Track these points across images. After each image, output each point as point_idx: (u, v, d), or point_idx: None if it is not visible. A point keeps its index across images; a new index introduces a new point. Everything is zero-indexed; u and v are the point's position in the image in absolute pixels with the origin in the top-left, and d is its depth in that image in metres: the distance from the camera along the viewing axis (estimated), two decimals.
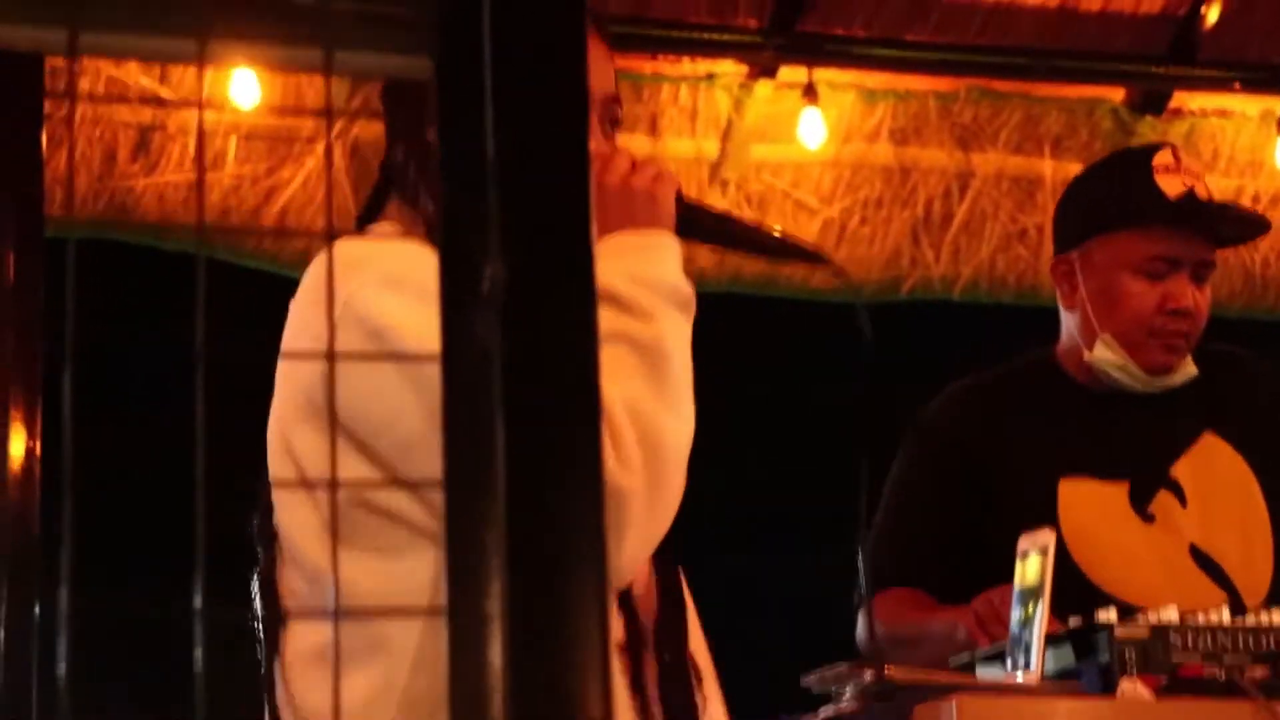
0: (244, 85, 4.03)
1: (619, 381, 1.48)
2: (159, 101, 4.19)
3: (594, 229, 0.93)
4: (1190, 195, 2.56)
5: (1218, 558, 2.51)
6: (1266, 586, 2.52)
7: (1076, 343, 2.65)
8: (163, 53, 0.96)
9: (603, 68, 1.71)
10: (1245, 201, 4.88)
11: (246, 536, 1.59)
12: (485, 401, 0.91)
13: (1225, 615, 2.17)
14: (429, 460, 1.41)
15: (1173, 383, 2.60)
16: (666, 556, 1.64)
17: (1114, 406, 2.60)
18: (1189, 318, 2.56)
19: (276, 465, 1.55)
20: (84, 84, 4.13)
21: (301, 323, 1.56)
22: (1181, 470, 2.57)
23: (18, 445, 3.83)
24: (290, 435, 1.53)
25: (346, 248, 1.57)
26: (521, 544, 0.88)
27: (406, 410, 1.47)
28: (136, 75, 4.16)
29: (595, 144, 1.65)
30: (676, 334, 1.53)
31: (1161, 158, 2.59)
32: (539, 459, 0.90)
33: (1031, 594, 2.24)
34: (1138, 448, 2.49)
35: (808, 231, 4.67)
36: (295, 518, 1.53)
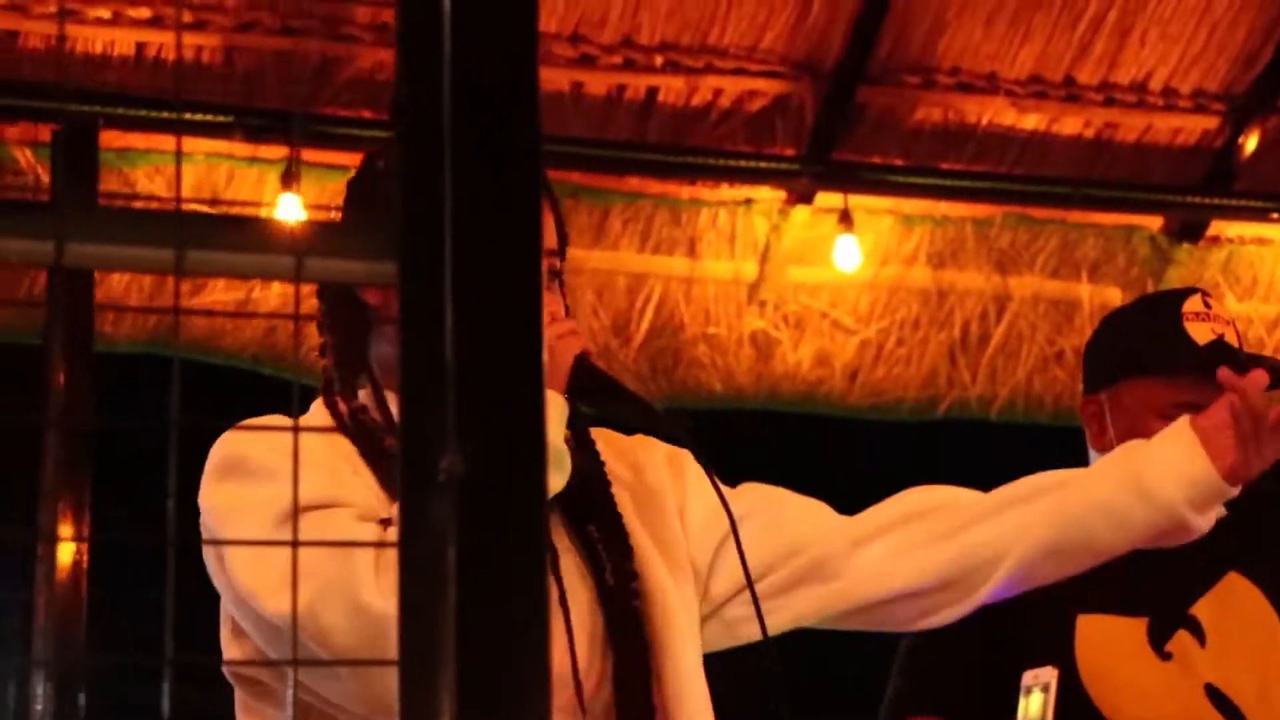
0: (289, 209, 4.15)
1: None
2: None
3: (545, 418, 1.00)
4: (1219, 343, 2.58)
5: (1234, 697, 2.52)
6: None
7: None
8: (142, 262, 1.03)
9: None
10: None
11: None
12: (439, 584, 0.97)
13: None
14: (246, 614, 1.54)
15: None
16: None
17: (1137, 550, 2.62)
18: None
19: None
20: (137, 205, 4.26)
21: None
22: (1202, 609, 2.58)
23: (65, 553, 3.92)
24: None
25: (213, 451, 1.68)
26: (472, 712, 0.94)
27: (223, 585, 1.64)
28: (187, 199, 4.29)
29: None
30: None
31: (1191, 304, 2.61)
32: (490, 641, 0.96)
33: None
34: (1158, 584, 2.49)
35: (845, 351, 4.74)
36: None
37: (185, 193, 4.31)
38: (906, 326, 4.75)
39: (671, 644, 1.73)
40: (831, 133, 4.44)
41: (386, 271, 1.04)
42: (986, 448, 5.35)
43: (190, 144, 4.22)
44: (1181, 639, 2.60)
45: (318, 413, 1.73)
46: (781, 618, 1.85)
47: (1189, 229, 4.76)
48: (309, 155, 4.29)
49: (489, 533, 0.97)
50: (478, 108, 1.04)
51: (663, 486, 1.81)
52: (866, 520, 1.92)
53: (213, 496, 1.64)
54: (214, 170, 4.30)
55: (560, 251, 1.79)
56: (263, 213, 4.28)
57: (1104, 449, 2.66)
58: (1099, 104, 4.54)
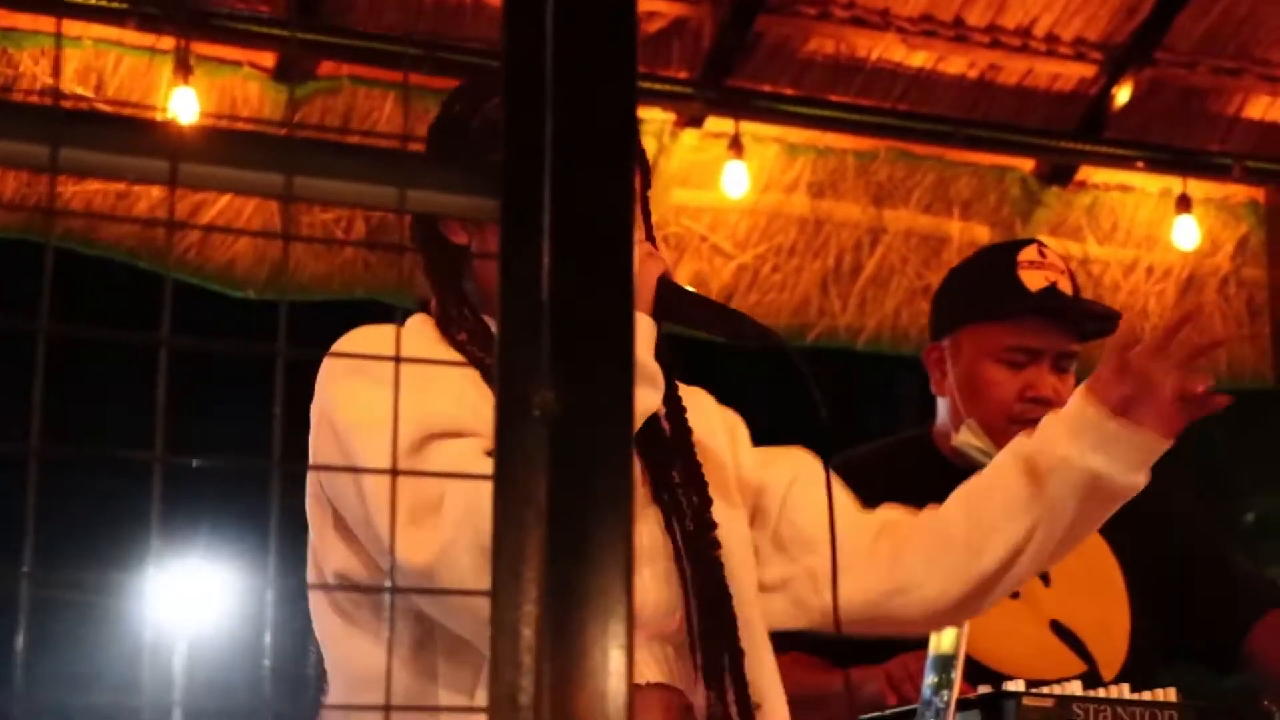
0: (183, 100, 4.08)
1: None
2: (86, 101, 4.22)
3: (634, 359, 1.04)
4: (1050, 290, 2.69)
5: (1077, 630, 2.65)
6: (1122, 660, 2.67)
7: (947, 427, 2.78)
8: (257, 185, 1.05)
9: None
10: (1140, 273, 5.09)
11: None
12: (532, 514, 1.01)
13: (1078, 686, 2.32)
14: (373, 539, 1.53)
15: None
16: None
17: None
18: (1049, 406, 2.68)
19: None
20: (19, 86, 4.16)
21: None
22: None
23: None
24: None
25: (339, 345, 1.67)
26: (555, 646, 0.98)
27: (348, 494, 1.62)
28: (73, 84, 4.20)
29: None
30: None
31: (1026, 253, 2.72)
32: (577, 574, 1.00)
33: (946, 661, 2.37)
34: None
35: (721, 275, 4.81)
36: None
37: (68, 78, 4.22)
38: (783, 253, 4.82)
39: (742, 593, 1.78)
40: (726, 59, 4.48)
41: (488, 207, 1.07)
42: (849, 377, 5.47)
43: (78, 28, 4.13)
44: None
45: (425, 325, 1.76)
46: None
47: (1058, 172, 4.90)
48: (201, 49, 4.22)
49: (580, 467, 1.02)
50: (578, 55, 1.07)
51: (719, 444, 1.84)
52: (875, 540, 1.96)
53: (343, 403, 1.61)
54: (101, 56, 4.21)
55: (644, 177, 1.79)
56: (154, 104, 4.20)
57: (943, 394, 2.77)
58: (984, 45, 4.64)
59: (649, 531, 1.74)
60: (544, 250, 1.04)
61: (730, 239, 4.79)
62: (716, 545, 1.77)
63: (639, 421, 1.63)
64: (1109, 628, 2.71)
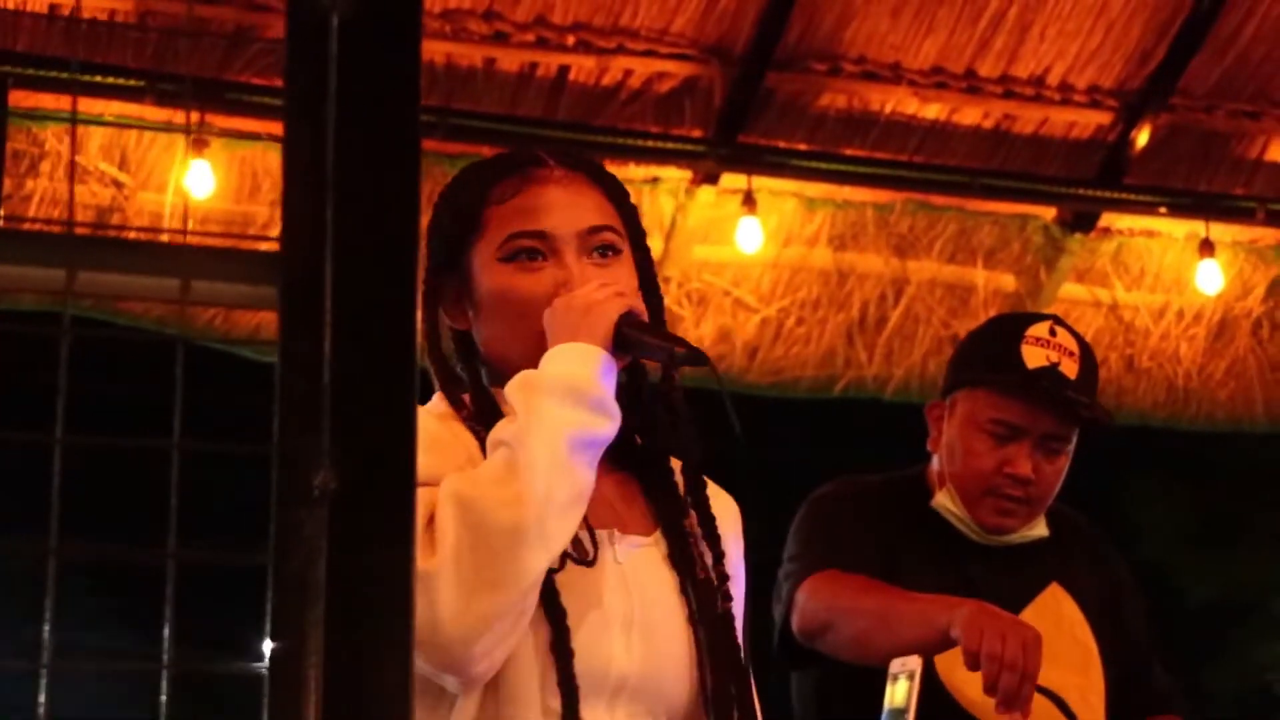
0: (199, 176, 4.18)
1: (468, 476, 1.64)
2: (117, 185, 4.33)
3: (417, 442, 1.07)
4: (1048, 370, 2.63)
5: (1061, 692, 2.63)
6: None
7: (934, 484, 2.77)
8: (30, 280, 1.09)
9: (577, 202, 1.81)
10: (1170, 317, 5.05)
11: None
12: (310, 596, 1.03)
13: None
14: None
15: (1017, 540, 2.71)
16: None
17: (971, 549, 2.72)
18: (1025, 485, 2.66)
19: None
20: (44, 166, 4.28)
21: None
22: (1028, 617, 2.68)
23: None
24: None
25: None
26: None
27: None
28: (96, 160, 4.31)
29: (567, 270, 1.78)
30: (545, 423, 1.63)
31: (1036, 329, 2.67)
32: (356, 653, 1.02)
33: (899, 714, 2.38)
34: (989, 594, 2.58)
35: (745, 329, 4.83)
36: None
37: (92, 154, 4.33)
38: (806, 306, 4.84)
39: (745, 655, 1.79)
40: (738, 116, 4.51)
41: (269, 295, 1.10)
42: (881, 427, 5.46)
43: (99, 106, 4.23)
44: None
45: (439, 403, 1.83)
46: None
47: (1081, 220, 4.89)
48: (220, 122, 4.32)
49: (360, 547, 1.04)
50: (359, 139, 1.10)
51: (724, 526, 1.86)
52: None
53: None
54: (122, 134, 4.32)
55: (628, 225, 1.84)
56: (171, 179, 4.30)
57: (936, 451, 2.76)
58: (998, 96, 4.64)
59: (665, 597, 1.77)
60: (325, 334, 1.07)
61: (754, 293, 4.81)
62: (729, 599, 1.79)
63: (599, 451, 1.66)
64: (1087, 696, 2.69)
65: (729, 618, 1.78)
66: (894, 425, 5.28)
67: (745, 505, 1.92)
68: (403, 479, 1.06)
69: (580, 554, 1.72)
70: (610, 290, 1.72)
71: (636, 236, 1.85)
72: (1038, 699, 2.58)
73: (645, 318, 1.75)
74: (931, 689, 2.43)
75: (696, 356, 1.70)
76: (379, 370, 1.07)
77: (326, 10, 1.08)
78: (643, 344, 1.72)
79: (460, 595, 1.57)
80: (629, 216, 1.83)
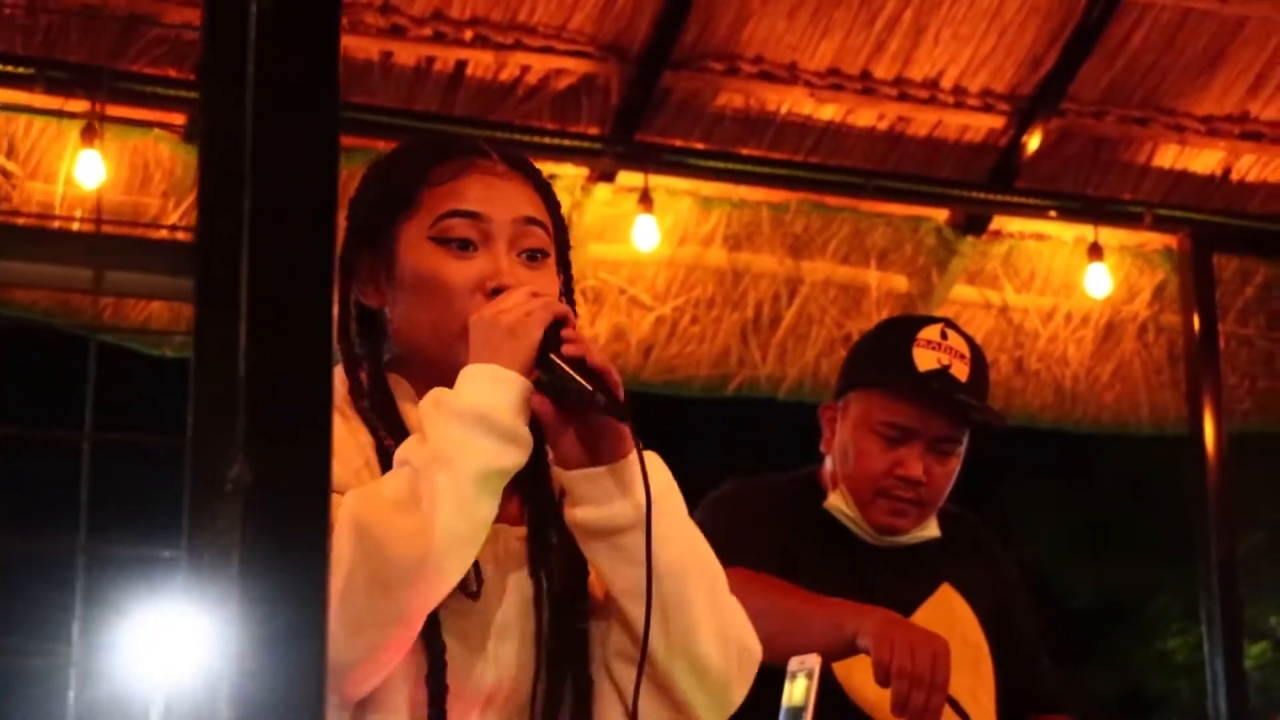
0: (89, 163, 4.11)
1: (369, 498, 1.60)
2: (4, 174, 4.26)
3: (332, 437, 1.06)
4: (939, 373, 2.65)
5: (953, 693, 2.66)
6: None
7: (827, 485, 2.80)
8: None
9: (515, 194, 1.78)
10: (1059, 320, 5.13)
11: None
12: (224, 588, 1.03)
13: None
14: None
15: (909, 540, 2.74)
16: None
17: (865, 550, 2.74)
18: (916, 487, 2.69)
19: None
20: None
21: None
22: (920, 617, 2.72)
23: None
24: None
25: None
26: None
27: None
28: None
29: (496, 263, 1.74)
30: (453, 453, 1.60)
31: (928, 332, 2.70)
32: (268, 646, 1.02)
33: (797, 713, 2.39)
34: (883, 594, 2.60)
35: (640, 327, 4.84)
36: None
37: None
38: (701, 305, 4.86)
39: (599, 680, 1.76)
40: (635, 114, 4.52)
41: (185, 286, 1.09)
42: (772, 425, 5.50)
43: None
44: None
45: (338, 385, 1.77)
46: None
47: (973, 222, 4.94)
48: (112, 111, 4.25)
49: (273, 539, 1.03)
50: (276, 130, 1.09)
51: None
52: None
53: None
54: (11, 121, 4.24)
55: (558, 234, 1.80)
56: (62, 169, 4.23)
57: (829, 452, 2.78)
58: (893, 98, 4.69)
59: (519, 603, 1.74)
60: (241, 326, 1.06)
61: (649, 291, 4.82)
62: (585, 618, 1.77)
63: (504, 480, 1.63)
64: (978, 695, 2.72)
65: (582, 635, 1.76)
66: (788, 425, 5.32)
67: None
68: (318, 472, 1.05)
69: (466, 586, 1.68)
70: (539, 302, 1.68)
71: (563, 247, 1.83)
72: None
73: (575, 322, 1.71)
74: (828, 688, 2.45)
75: (616, 409, 1.66)
76: (295, 363, 1.06)
77: (244, 1, 1.07)
78: (563, 379, 1.67)
79: (348, 625, 1.55)
80: (559, 226, 1.82)
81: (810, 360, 4.98)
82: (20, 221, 1.26)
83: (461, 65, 4.44)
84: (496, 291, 1.72)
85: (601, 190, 4.64)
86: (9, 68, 4.09)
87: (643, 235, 4.57)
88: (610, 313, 4.79)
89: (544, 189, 1.82)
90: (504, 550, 1.76)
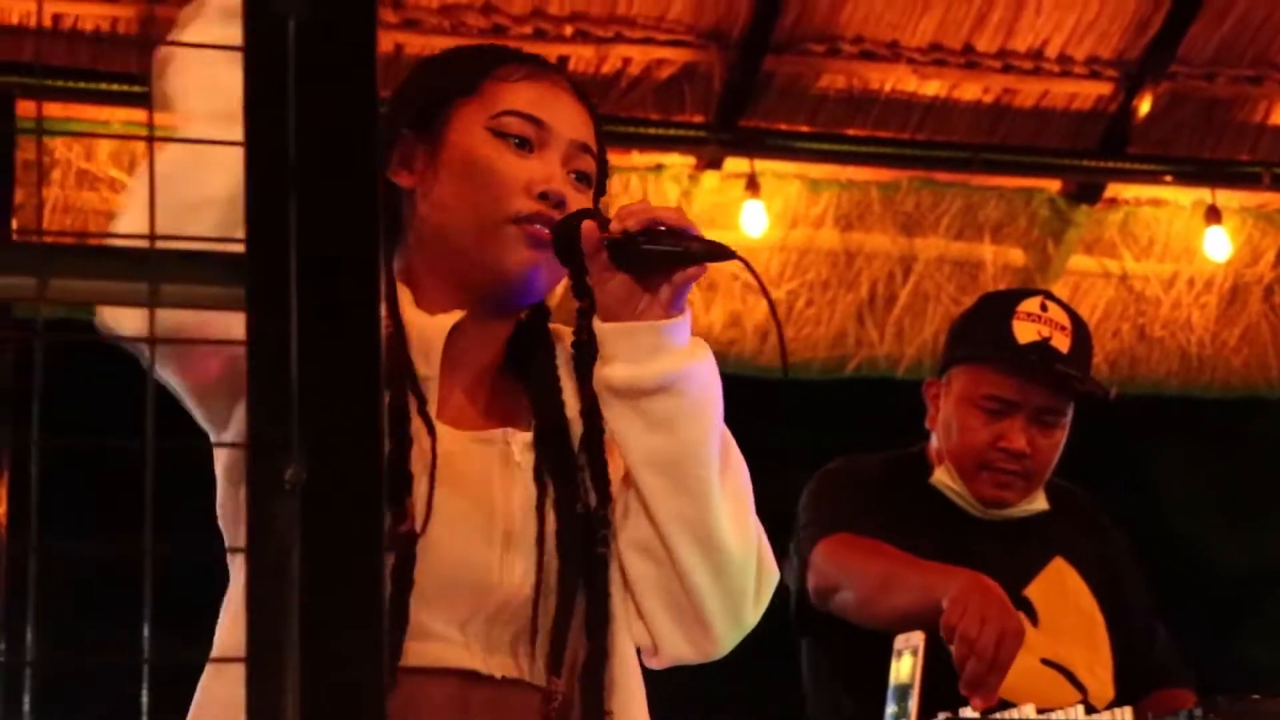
0: None
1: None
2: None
3: (382, 433, 1.10)
4: (1039, 345, 2.65)
5: (1070, 666, 2.65)
6: (1111, 695, 2.67)
7: (934, 461, 2.80)
8: (6, 290, 1.12)
9: (579, 117, 1.78)
10: (1181, 286, 5.06)
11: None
12: (286, 584, 1.07)
13: (1080, 712, 2.32)
14: None
15: (1018, 514, 2.73)
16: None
17: (974, 524, 2.74)
18: (1020, 459, 2.68)
19: None
20: (55, 174, 4.32)
21: None
22: (1034, 591, 2.71)
23: None
24: None
25: None
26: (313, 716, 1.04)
27: None
28: (107, 166, 4.35)
29: (549, 171, 1.71)
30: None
31: (1027, 304, 2.70)
32: (332, 641, 1.06)
33: (904, 690, 2.40)
34: (994, 569, 2.61)
35: (755, 313, 4.85)
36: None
37: (102, 161, 4.37)
38: (815, 288, 4.86)
39: (616, 606, 1.71)
40: (738, 100, 4.53)
41: (237, 295, 1.13)
42: (893, 405, 5.48)
43: (107, 113, 4.27)
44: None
45: None
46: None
47: (1087, 191, 4.89)
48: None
49: (331, 538, 1.08)
50: (322, 149, 1.13)
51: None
52: None
53: None
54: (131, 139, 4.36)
55: (600, 172, 1.79)
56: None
57: (934, 428, 2.78)
58: (997, 71, 4.65)
59: (519, 507, 1.69)
60: (292, 332, 1.10)
61: (762, 277, 4.83)
62: (606, 543, 1.69)
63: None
64: (1094, 668, 2.71)
65: (601, 559, 1.69)
66: (907, 404, 5.30)
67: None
68: (370, 469, 1.09)
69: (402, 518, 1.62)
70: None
71: (599, 192, 1.81)
72: (1048, 670, 2.61)
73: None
74: (939, 662, 2.46)
75: (716, 249, 1.74)
76: (344, 365, 1.10)
77: (283, 16, 1.11)
78: (649, 254, 1.66)
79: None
80: (603, 171, 1.82)
81: (928, 338, 4.96)
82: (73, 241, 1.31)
83: (564, 61, 4.48)
84: (543, 196, 1.69)
85: (709, 178, 4.66)
86: (124, 86, 4.19)
87: (751, 221, 4.59)
88: (724, 300, 4.81)
89: (599, 128, 1.82)
90: (506, 456, 1.72)
